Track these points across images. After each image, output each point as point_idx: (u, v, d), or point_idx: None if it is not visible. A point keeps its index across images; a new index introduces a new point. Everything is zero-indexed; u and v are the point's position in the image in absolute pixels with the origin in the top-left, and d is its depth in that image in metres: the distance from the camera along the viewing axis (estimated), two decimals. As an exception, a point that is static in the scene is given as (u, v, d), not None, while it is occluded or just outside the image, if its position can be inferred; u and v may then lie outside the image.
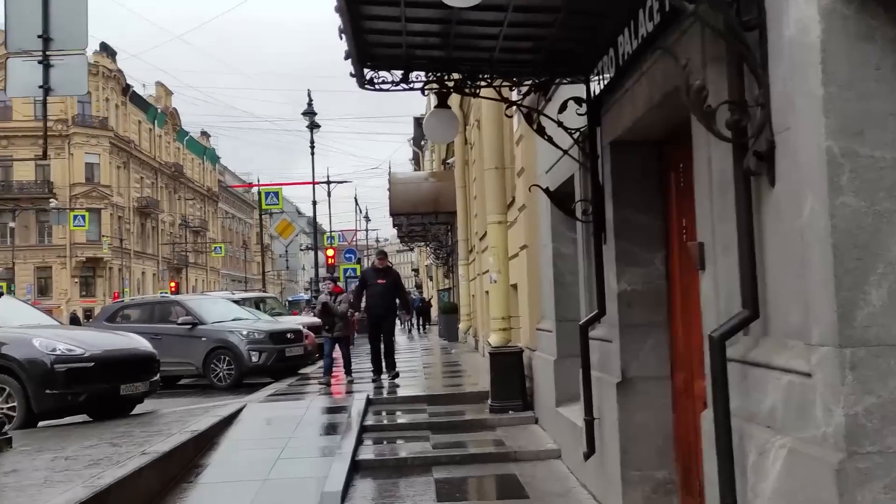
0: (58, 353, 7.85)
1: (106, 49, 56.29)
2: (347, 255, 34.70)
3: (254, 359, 12.52)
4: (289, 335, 13.13)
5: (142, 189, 60.64)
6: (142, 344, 8.98)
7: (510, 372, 8.02)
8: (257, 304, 18.54)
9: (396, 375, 10.77)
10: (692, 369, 4.46)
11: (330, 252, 34.28)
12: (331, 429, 7.57)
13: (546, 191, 5.49)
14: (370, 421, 7.85)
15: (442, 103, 5.39)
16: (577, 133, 5.30)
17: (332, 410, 8.58)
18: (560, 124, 5.24)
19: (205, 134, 78.09)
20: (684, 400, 4.57)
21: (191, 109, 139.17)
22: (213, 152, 79.13)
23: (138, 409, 9.17)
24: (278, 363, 12.83)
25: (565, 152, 5.39)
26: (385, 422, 7.89)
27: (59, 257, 51.99)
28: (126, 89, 58.32)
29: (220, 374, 12.63)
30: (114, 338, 9.10)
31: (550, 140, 5.34)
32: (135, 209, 58.98)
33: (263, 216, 32.91)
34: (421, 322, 32.53)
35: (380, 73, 5.29)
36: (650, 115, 4.22)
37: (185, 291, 52.35)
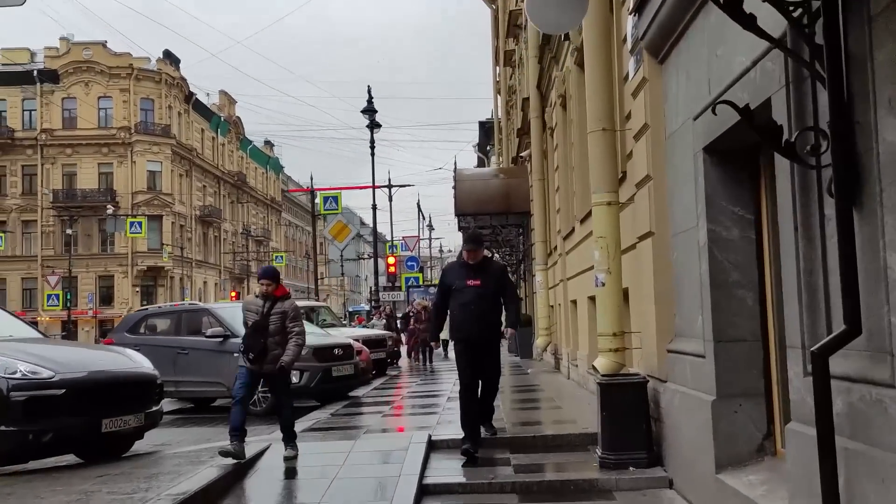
0: (18, 376, 5.86)
1: (169, 56, 55.97)
2: (409, 264, 32.71)
3: (294, 379, 10.40)
4: (336, 351, 11.01)
5: (204, 198, 60.03)
6: (139, 364, 6.95)
7: (630, 412, 5.68)
8: (308, 314, 16.57)
9: (494, 433, 6.83)
10: None
11: (391, 260, 32.34)
12: (377, 490, 5.35)
13: (744, 111, 3.13)
14: (432, 477, 5.61)
15: (559, -40, 3.11)
16: (798, 10, 2.98)
17: (381, 458, 6.36)
18: (768, -5, 2.92)
19: (268, 143, 77.68)
20: None
21: (254, 118, 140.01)
22: (277, 161, 78.65)
23: (137, 445, 7.16)
24: (324, 384, 10.72)
25: (776, 43, 3.06)
26: (453, 480, 5.61)
27: (120, 266, 51.51)
28: (189, 97, 57.87)
29: (256, 397, 10.57)
30: (101, 356, 7.11)
31: (751, 23, 3.02)
32: (196, 218, 58.34)
33: (317, 218, 31.07)
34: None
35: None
36: None
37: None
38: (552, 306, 14.37)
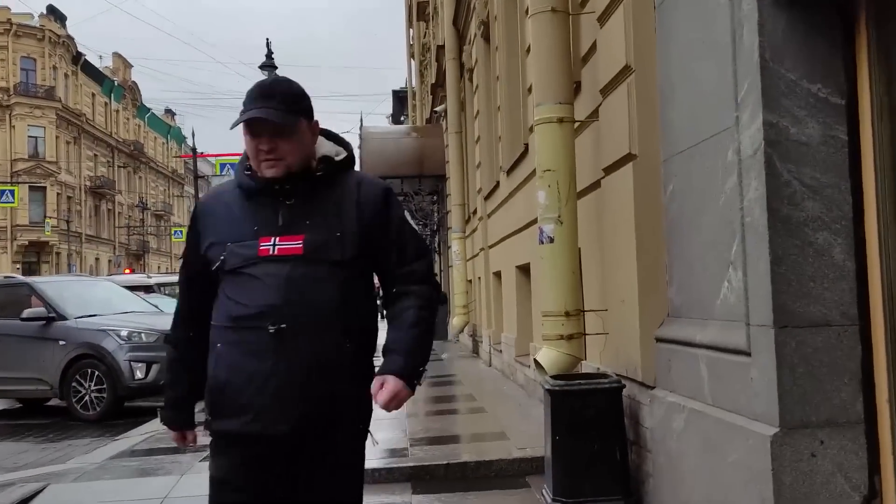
0: None
1: (54, 12, 51.03)
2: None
3: (137, 374, 8.03)
4: (198, 336, 8.64)
5: (95, 168, 55.43)
6: None
7: (597, 433, 3.64)
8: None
9: None
10: None
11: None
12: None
13: None
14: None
15: None
16: None
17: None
18: None
19: (169, 112, 73.00)
20: None
21: (153, 85, 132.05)
22: (179, 131, 73.89)
23: None
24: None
25: None
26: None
27: (-3, 240, 46.81)
28: (77, 58, 53.04)
29: (87, 397, 8.12)
30: None
31: None
32: (87, 189, 53.77)
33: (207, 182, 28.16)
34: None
35: None
36: None
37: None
38: (470, 280, 12.34)
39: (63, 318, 8.37)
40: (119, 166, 59.35)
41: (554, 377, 3.89)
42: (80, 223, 52.14)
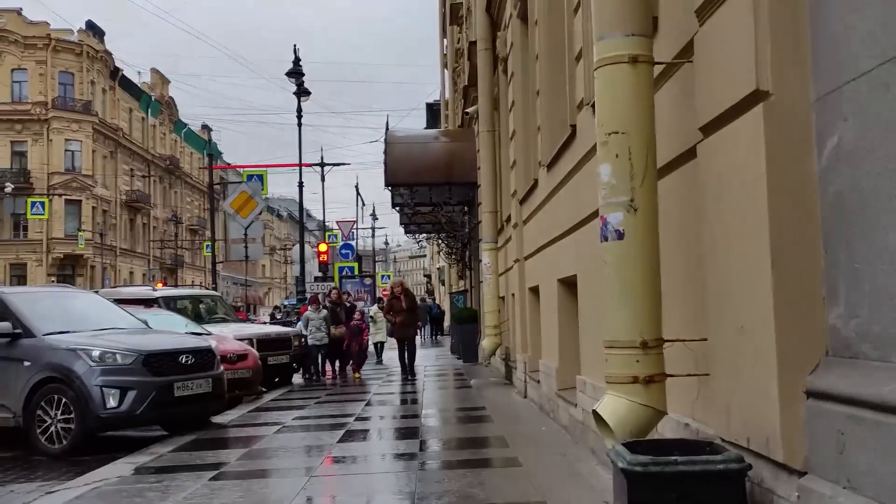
0: None
1: (92, 28, 51.13)
2: (343, 252, 28.88)
3: (110, 401, 6.76)
4: (183, 359, 7.31)
5: (131, 182, 55.23)
6: None
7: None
8: (196, 305, 12.89)
9: None
10: None
11: (322, 248, 28.59)
12: None
13: None
14: None
15: None
16: None
17: None
18: None
19: (206, 127, 73.02)
20: None
21: (190, 100, 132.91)
22: (215, 146, 73.88)
23: None
24: (161, 408, 7.03)
25: None
26: None
27: (34, 253, 46.58)
28: (115, 73, 53.03)
29: (52, 428, 6.88)
30: None
31: None
32: (122, 203, 53.52)
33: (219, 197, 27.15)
34: (433, 331, 29.01)
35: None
36: None
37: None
38: (503, 297, 10.93)
39: (30, 334, 7.16)
40: (155, 180, 59.17)
41: (630, 447, 2.48)
42: (116, 237, 51.85)
